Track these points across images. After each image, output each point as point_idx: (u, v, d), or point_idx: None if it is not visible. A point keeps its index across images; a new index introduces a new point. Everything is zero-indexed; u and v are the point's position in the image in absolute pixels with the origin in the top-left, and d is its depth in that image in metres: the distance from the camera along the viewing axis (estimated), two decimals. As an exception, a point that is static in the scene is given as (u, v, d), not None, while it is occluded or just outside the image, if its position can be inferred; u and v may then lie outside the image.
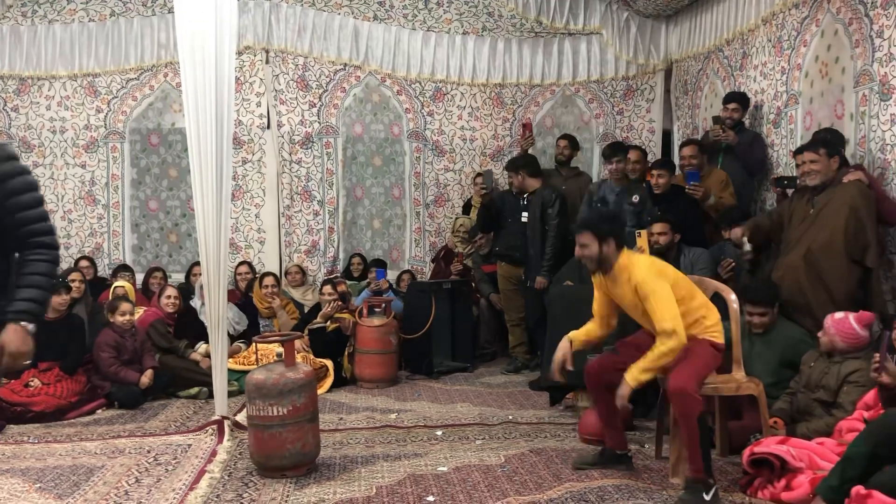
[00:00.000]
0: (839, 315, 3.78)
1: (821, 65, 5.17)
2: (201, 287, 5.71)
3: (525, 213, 6.22)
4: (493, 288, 6.75)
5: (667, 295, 3.46)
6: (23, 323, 2.34)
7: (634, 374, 3.47)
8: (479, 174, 7.28)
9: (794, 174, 5.19)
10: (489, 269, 6.80)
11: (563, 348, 3.79)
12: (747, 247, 4.75)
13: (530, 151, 6.98)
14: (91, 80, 7.44)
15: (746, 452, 3.44)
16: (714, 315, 3.65)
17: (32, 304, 2.37)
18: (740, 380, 3.77)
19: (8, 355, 2.32)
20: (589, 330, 3.85)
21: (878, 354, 3.10)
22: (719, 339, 3.61)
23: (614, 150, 5.96)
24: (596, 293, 3.84)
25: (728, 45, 6.53)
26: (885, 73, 4.48)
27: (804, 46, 5.36)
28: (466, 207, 7.52)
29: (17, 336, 2.33)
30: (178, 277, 7.26)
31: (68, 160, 7.47)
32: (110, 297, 5.95)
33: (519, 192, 6.34)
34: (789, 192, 4.86)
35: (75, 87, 7.43)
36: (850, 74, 4.83)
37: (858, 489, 2.98)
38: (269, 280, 6.63)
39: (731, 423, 4.04)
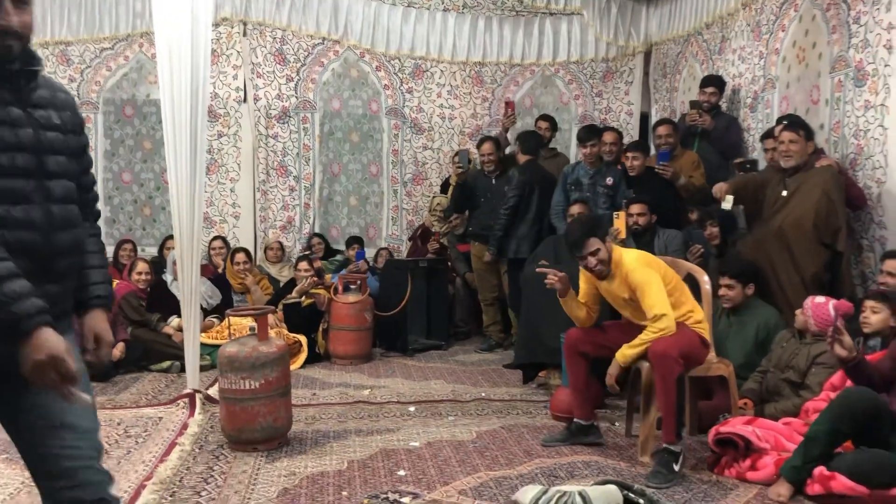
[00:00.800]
0: (820, 299, 3.82)
1: (798, 50, 5.20)
2: (174, 261, 5.68)
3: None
4: (469, 267, 6.76)
5: (657, 283, 3.54)
6: (103, 309, 2.06)
7: (623, 352, 3.58)
8: (456, 153, 7.27)
9: (755, 157, 5.27)
10: (464, 249, 6.81)
11: (562, 273, 3.82)
12: (727, 204, 4.72)
13: (511, 131, 6.99)
14: (63, 49, 7.31)
15: (712, 432, 3.49)
16: (700, 313, 3.73)
17: (110, 288, 2.11)
18: (711, 360, 3.83)
19: (106, 345, 2.04)
20: (579, 306, 3.88)
21: (830, 329, 3.13)
22: (705, 334, 3.68)
23: (590, 134, 5.95)
24: (582, 286, 3.87)
25: (707, 29, 6.55)
26: (861, 59, 4.52)
27: (782, 31, 5.39)
28: (444, 186, 7.51)
29: (108, 324, 2.06)
30: (151, 251, 7.19)
31: (40, 130, 7.32)
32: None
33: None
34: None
35: (47, 56, 7.28)
36: (827, 60, 4.87)
37: (822, 470, 3.04)
38: (240, 256, 6.57)
39: (702, 404, 4.09)
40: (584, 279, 3.86)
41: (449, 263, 7.01)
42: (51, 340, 1.62)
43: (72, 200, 1.89)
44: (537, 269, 3.93)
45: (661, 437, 3.48)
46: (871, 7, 4.46)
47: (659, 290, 3.52)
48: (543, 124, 6.81)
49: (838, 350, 3.07)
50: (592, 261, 3.67)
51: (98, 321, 2.01)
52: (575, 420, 3.88)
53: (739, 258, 4.46)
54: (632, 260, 3.64)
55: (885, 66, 4.34)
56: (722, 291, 4.28)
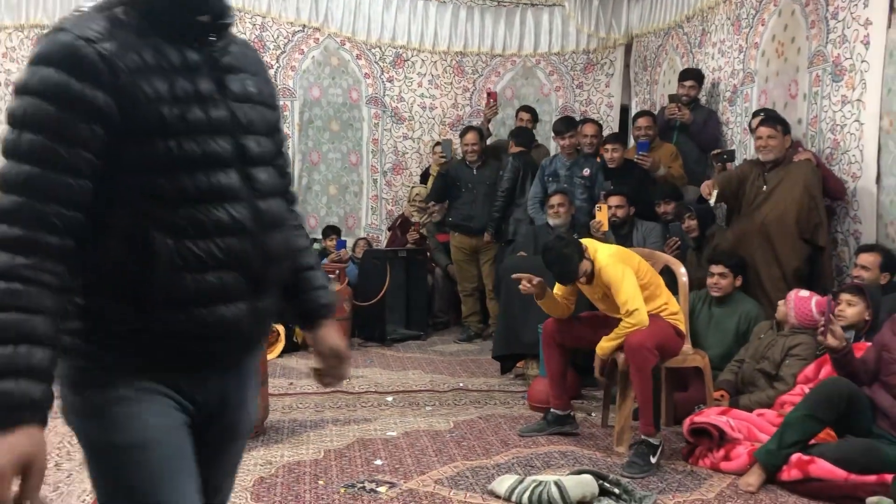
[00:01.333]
0: (804, 293, 3.87)
1: (777, 44, 5.24)
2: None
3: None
4: (449, 258, 6.77)
5: (629, 279, 3.55)
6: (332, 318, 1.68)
7: (602, 345, 3.62)
8: (437, 143, 7.25)
9: (732, 149, 5.32)
10: (443, 239, 6.81)
11: (537, 278, 3.82)
12: (713, 200, 4.71)
13: (493, 121, 6.98)
14: (39, 32, 7.18)
15: (687, 422, 3.52)
16: (675, 305, 3.75)
17: (334, 292, 1.68)
18: (687, 352, 3.86)
19: (346, 362, 1.68)
20: (556, 304, 3.88)
21: (822, 319, 3.17)
22: (681, 326, 3.70)
23: (566, 126, 5.96)
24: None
25: (688, 22, 6.57)
26: (838, 54, 4.56)
27: (762, 25, 5.42)
28: (424, 176, 7.48)
29: (342, 336, 1.68)
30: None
31: (14, 114, 7.21)
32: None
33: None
34: (729, 165, 4.94)
35: (21, 39, 7.18)
36: (805, 55, 4.91)
37: (800, 456, 3.08)
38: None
39: (677, 395, 4.12)
40: None
41: (428, 254, 7.01)
42: (17, 450, 1.11)
43: (277, 192, 1.45)
44: (513, 276, 3.93)
45: (639, 428, 3.50)
46: (848, 3, 4.49)
47: (631, 286, 3.54)
48: (525, 115, 6.81)
49: (830, 340, 3.12)
50: (582, 279, 3.70)
51: (333, 335, 1.64)
52: (552, 410, 3.90)
53: (732, 249, 4.48)
54: (604, 257, 3.64)
55: (862, 61, 4.37)
56: (714, 280, 4.31)
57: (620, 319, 3.56)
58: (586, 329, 3.83)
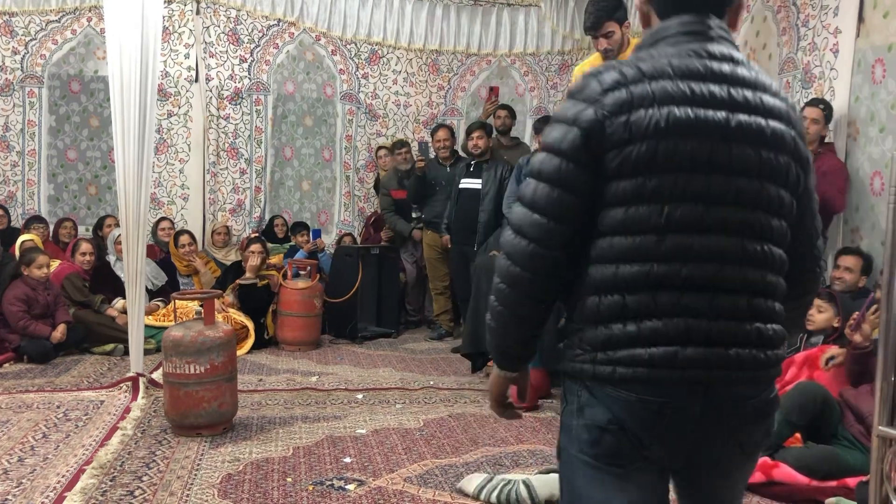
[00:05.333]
0: None
1: (749, 50, 5.30)
2: (115, 240, 5.58)
3: (477, 181, 6.05)
4: (409, 223, 6.72)
5: None
6: None
7: None
8: (401, 144, 7.11)
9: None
10: (398, 196, 6.72)
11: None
12: None
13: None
14: (7, 20, 7.05)
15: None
16: None
17: None
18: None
19: None
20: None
21: (857, 313, 3.23)
22: None
23: (545, 124, 5.98)
24: None
25: (662, 26, 6.62)
26: (808, 61, 4.63)
27: (734, 32, 5.48)
28: (377, 186, 7.35)
29: None
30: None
31: (-20, 103, 7.08)
32: (18, 251, 5.71)
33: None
34: None
35: (-10, 26, 7.04)
36: (776, 61, 4.97)
37: (765, 460, 3.13)
38: (184, 238, 6.44)
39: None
40: None
41: (400, 252, 6.98)
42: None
43: None
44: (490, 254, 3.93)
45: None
46: (819, 11, 4.56)
47: None
48: (502, 112, 6.80)
49: (857, 337, 3.19)
50: (604, 42, 3.42)
51: None
52: None
53: None
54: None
55: (831, 69, 4.45)
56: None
57: None
58: None
